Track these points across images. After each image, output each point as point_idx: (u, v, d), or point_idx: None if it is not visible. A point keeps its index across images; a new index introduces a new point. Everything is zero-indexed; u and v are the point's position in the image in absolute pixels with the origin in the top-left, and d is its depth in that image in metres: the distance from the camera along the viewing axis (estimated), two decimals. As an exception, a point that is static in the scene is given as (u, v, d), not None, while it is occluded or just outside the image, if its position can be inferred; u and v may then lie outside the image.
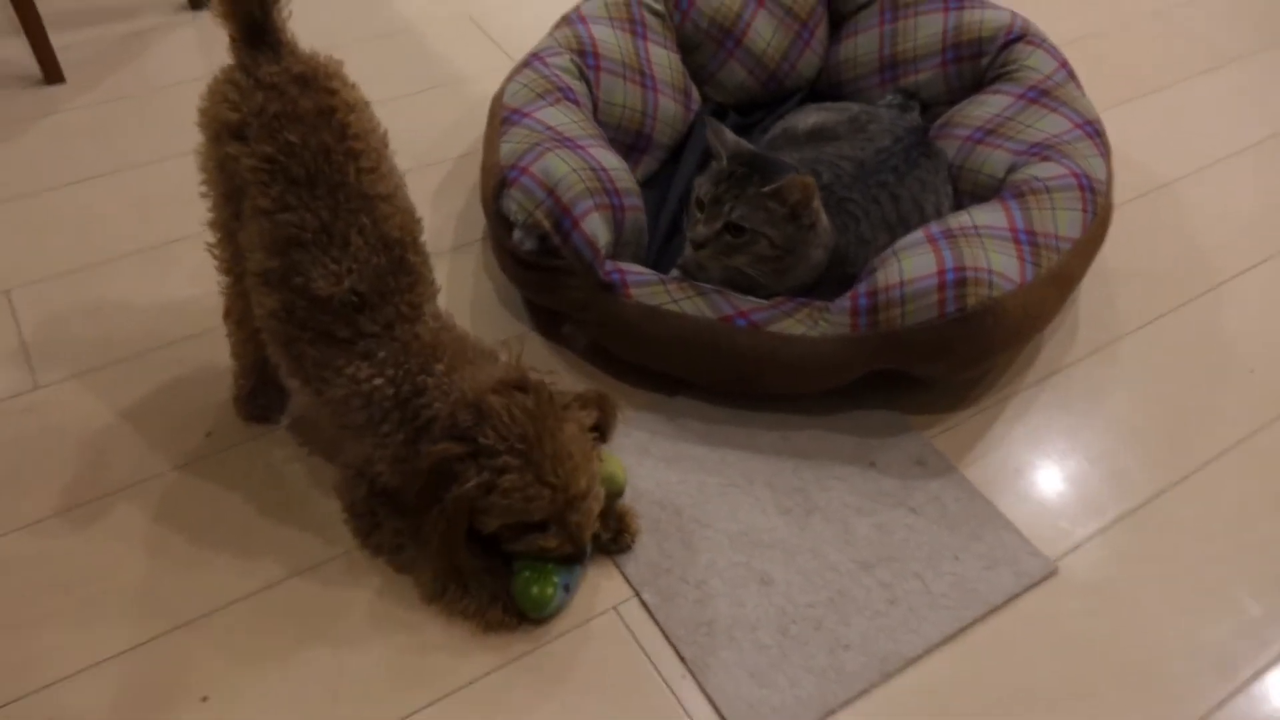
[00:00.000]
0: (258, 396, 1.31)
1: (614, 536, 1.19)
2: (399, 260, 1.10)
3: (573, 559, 1.12)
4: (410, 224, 1.13)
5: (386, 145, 1.14)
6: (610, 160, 1.44)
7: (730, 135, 1.34)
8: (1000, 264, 1.27)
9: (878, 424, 1.36)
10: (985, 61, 1.69)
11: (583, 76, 1.60)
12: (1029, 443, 1.35)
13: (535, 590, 1.10)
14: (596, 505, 1.10)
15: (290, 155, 1.06)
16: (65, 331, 1.44)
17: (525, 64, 1.59)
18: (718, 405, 1.37)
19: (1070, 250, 1.34)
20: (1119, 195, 1.71)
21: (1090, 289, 1.57)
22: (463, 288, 1.55)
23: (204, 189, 1.16)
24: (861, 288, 1.29)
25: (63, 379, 1.37)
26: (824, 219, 1.34)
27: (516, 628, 1.12)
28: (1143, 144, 1.88)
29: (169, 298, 1.50)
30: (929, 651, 1.12)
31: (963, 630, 1.14)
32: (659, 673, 1.10)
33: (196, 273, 1.52)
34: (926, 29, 1.74)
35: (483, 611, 1.11)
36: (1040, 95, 1.57)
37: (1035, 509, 1.27)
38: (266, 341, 1.15)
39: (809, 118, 1.59)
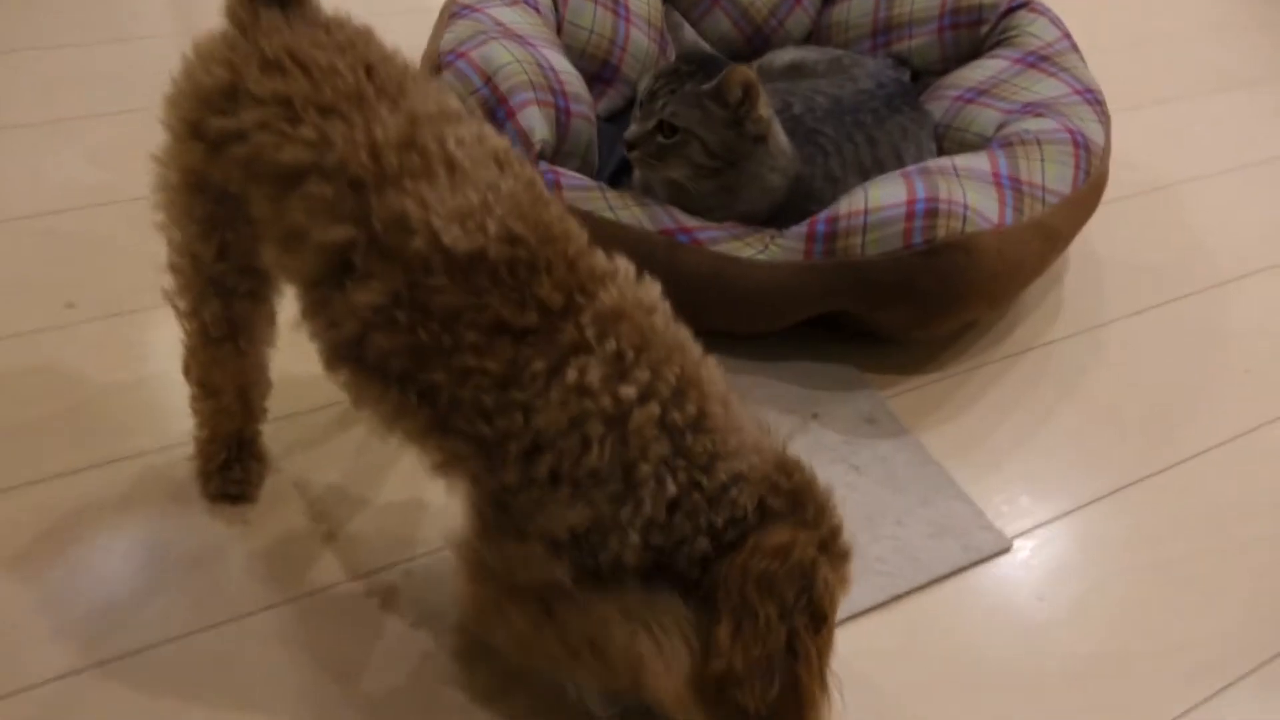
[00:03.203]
0: (232, 469, 0.98)
1: None
2: (529, 185, 0.73)
3: None
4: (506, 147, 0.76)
5: None
6: (562, 64, 1.30)
7: (691, 33, 1.21)
8: (977, 202, 1.13)
9: (829, 377, 1.21)
10: (984, 30, 1.57)
11: (549, -10, 1.47)
12: (996, 415, 1.20)
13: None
14: None
15: (316, 79, 0.72)
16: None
17: (487, -31, 1.46)
18: (651, 340, 1.22)
19: (1057, 205, 1.20)
20: (1117, 190, 1.57)
21: (1077, 273, 1.43)
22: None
23: (162, 218, 0.84)
24: (822, 214, 1.14)
25: (-85, 233, 1.21)
26: (782, 139, 1.20)
27: None
28: (1146, 148, 1.75)
29: (54, 171, 1.34)
30: (854, 617, 0.96)
31: (896, 598, 0.98)
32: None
33: (95, 152, 1.37)
34: (925, -7, 1.63)
35: None
36: (1040, 60, 1.45)
37: (995, 483, 1.11)
38: (370, 399, 0.73)
39: (787, 54, 1.47)
